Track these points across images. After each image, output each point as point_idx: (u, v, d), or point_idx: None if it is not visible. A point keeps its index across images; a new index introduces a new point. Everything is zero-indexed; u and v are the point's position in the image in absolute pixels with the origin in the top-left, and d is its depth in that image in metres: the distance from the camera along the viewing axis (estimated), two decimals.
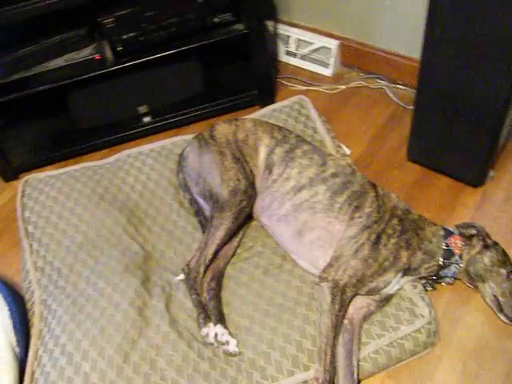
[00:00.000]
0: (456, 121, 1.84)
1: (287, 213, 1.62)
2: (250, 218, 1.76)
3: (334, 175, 1.65)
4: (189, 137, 2.05)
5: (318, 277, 1.49)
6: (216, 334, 1.49)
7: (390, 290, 1.53)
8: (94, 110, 2.33)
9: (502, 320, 1.59)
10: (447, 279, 1.64)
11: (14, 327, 1.58)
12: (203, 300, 1.58)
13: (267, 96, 2.41)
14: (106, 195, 1.89)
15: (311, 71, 2.64)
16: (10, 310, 1.62)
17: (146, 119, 2.37)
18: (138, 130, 2.34)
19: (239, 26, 2.21)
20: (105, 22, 2.03)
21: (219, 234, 1.61)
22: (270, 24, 2.65)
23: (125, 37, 2.09)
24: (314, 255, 1.57)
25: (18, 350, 1.55)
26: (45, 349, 1.55)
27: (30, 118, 2.44)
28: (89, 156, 2.30)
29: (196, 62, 2.35)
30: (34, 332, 1.61)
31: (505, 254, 1.61)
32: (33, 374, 1.51)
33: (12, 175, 2.34)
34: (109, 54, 2.15)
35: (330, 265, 1.50)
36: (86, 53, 2.11)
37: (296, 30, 2.65)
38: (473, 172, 1.96)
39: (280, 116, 2.08)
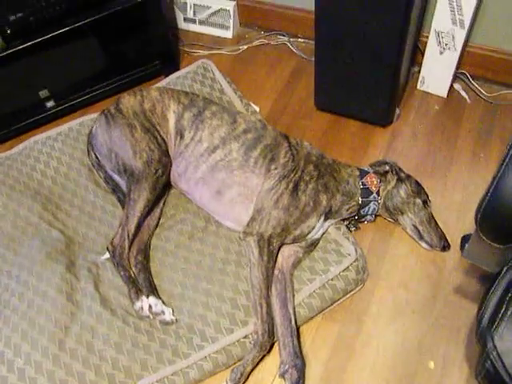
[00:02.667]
0: (356, 64, 1.88)
1: (204, 175, 1.61)
2: (168, 186, 1.74)
3: (246, 131, 1.65)
4: (95, 116, 1.98)
5: (243, 232, 1.50)
6: (150, 306, 1.48)
7: (314, 234, 1.56)
8: None
9: (423, 247, 1.67)
10: (368, 217, 1.70)
11: None
12: (132, 275, 1.56)
13: (171, 65, 2.36)
14: (17, 185, 1.82)
15: (212, 35, 2.62)
16: None
17: (50, 103, 2.27)
18: (43, 115, 2.24)
19: None
20: None
21: (139, 206, 1.59)
22: None
23: (12, 18, 1.98)
24: (236, 212, 1.58)
25: None
26: None
27: None
28: None
29: (93, 38, 2.25)
30: None
31: (418, 184, 1.68)
32: None
33: None
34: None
35: (252, 219, 1.51)
36: None
37: None
38: (379, 112, 2.01)
39: (185, 82, 2.06)
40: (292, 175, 1.54)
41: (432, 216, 1.66)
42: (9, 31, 2.01)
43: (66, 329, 1.46)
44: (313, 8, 1.82)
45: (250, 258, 1.47)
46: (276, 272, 1.50)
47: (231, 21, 2.55)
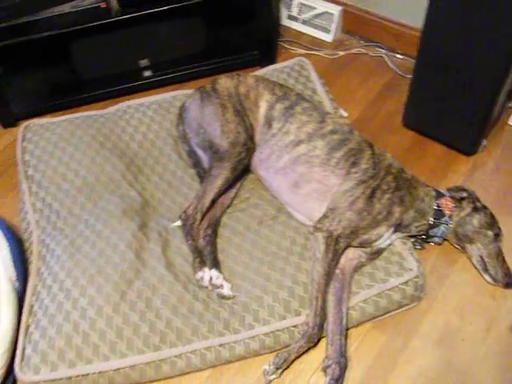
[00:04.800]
0: (453, 90, 1.89)
1: (285, 165, 1.66)
2: (247, 171, 1.80)
3: (333, 132, 1.68)
4: (189, 91, 2.07)
5: (313, 227, 1.54)
6: (211, 278, 1.54)
7: (381, 243, 1.58)
8: (96, 61, 2.34)
9: (486, 280, 1.66)
10: (436, 239, 1.70)
11: (14, 263, 1.62)
12: (199, 246, 1.63)
13: (268, 57, 2.43)
14: (106, 143, 1.92)
15: (312, 36, 2.67)
16: (9, 246, 1.65)
17: (147, 73, 2.38)
18: (139, 83, 2.35)
19: None
20: None
21: (217, 183, 1.65)
22: None
23: None
24: (309, 207, 1.62)
25: (17, 284, 1.59)
26: (43, 284, 1.59)
27: (33, 65, 2.43)
28: (89, 107, 2.30)
29: (200, 19, 2.36)
30: (32, 269, 1.65)
31: (493, 217, 1.67)
32: (31, 307, 1.55)
33: (11, 122, 2.35)
34: (114, 3, 2.14)
35: (325, 216, 1.54)
36: (91, 0, 2.10)
37: None
38: (466, 140, 2.01)
39: (280, 76, 2.11)
40: (371, 182, 1.56)
41: (501, 251, 1.64)
42: None
43: (130, 282, 1.54)
44: (419, 25, 1.84)
45: (315, 253, 1.50)
46: (337, 271, 1.54)
47: (333, 25, 2.59)
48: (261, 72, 2.16)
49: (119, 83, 2.34)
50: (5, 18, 2.09)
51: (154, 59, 2.39)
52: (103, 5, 2.11)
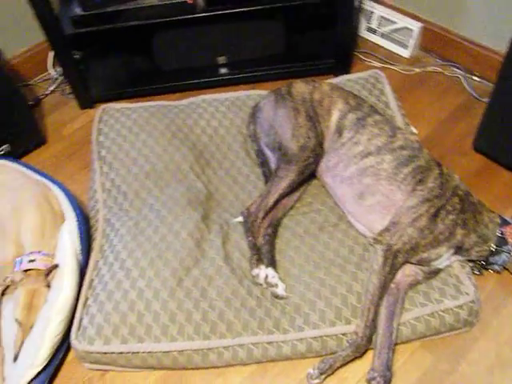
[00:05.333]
0: None
1: (352, 175, 1.67)
2: (313, 176, 1.81)
3: (402, 147, 1.68)
4: (263, 92, 2.12)
5: (373, 238, 1.55)
6: (266, 276, 1.57)
7: (439, 263, 1.57)
8: (176, 53, 2.41)
9: None
10: (496, 266, 1.67)
11: (80, 237, 1.69)
12: (258, 243, 1.66)
13: (343, 66, 2.44)
14: (178, 133, 1.98)
15: (389, 50, 2.66)
16: (77, 221, 1.73)
17: (223, 70, 2.44)
18: (215, 78, 2.41)
19: None
20: None
21: (283, 184, 1.68)
22: None
23: None
24: (371, 219, 1.62)
25: (80, 258, 1.66)
26: (105, 261, 1.65)
27: (115, 51, 2.54)
28: (164, 96, 2.37)
29: (281, 22, 2.39)
30: (95, 246, 1.72)
31: None
32: (92, 281, 1.62)
33: (88, 104, 2.45)
34: (201, 0, 2.20)
35: (386, 229, 1.55)
36: None
37: (381, 7, 2.66)
38: None
39: (354, 86, 2.12)
40: (436, 201, 1.55)
41: None
42: None
43: (188, 269, 1.59)
44: (502, 49, 1.81)
45: (372, 264, 1.51)
46: (392, 285, 1.54)
47: (412, 41, 2.57)
48: (335, 81, 2.18)
49: (196, 77, 2.40)
50: (95, 6, 2.18)
51: (232, 57, 2.44)
52: (190, 0, 2.18)
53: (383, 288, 1.48)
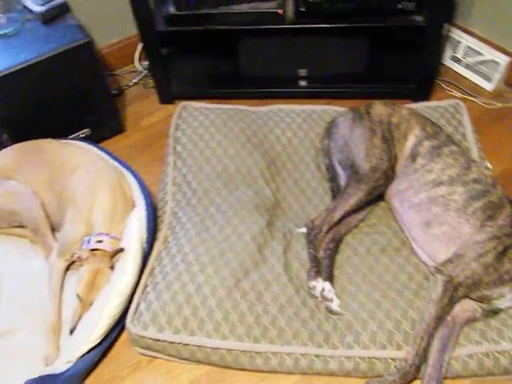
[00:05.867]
0: None
1: (421, 202, 1.66)
2: (380, 198, 1.81)
3: (475, 181, 1.66)
4: (340, 108, 2.14)
5: (435, 268, 1.54)
6: (323, 289, 1.58)
7: (500, 303, 1.54)
8: (259, 61, 2.46)
9: None
10: None
11: (147, 226, 1.75)
12: (318, 256, 1.67)
13: (423, 93, 2.43)
14: (253, 138, 2.02)
15: (472, 81, 2.62)
16: (146, 210, 1.79)
17: (303, 83, 2.47)
18: (293, 90, 2.44)
19: (418, 18, 2.23)
20: None
21: (350, 201, 1.69)
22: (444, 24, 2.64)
23: (310, 0, 2.17)
24: (435, 248, 1.61)
25: (145, 245, 1.72)
26: (168, 252, 1.71)
27: (201, 52, 2.62)
28: (242, 101, 2.40)
29: (364, 41, 2.41)
30: (160, 236, 1.79)
31: None
32: (153, 269, 1.68)
33: (168, 99, 2.54)
34: (291, 12, 2.24)
35: (449, 260, 1.53)
36: (270, 5, 2.22)
37: (469, 38, 2.62)
38: None
39: (433, 114, 2.10)
40: (505, 239, 1.53)
41: None
42: (303, 9, 2.21)
43: (247, 272, 1.62)
44: None
45: (431, 294, 1.50)
46: (448, 318, 1.52)
47: (497, 75, 2.53)
48: (413, 106, 2.17)
49: (275, 86, 2.44)
50: (189, 7, 2.26)
51: (313, 71, 2.47)
52: (280, 11, 2.22)
53: (439, 319, 1.47)
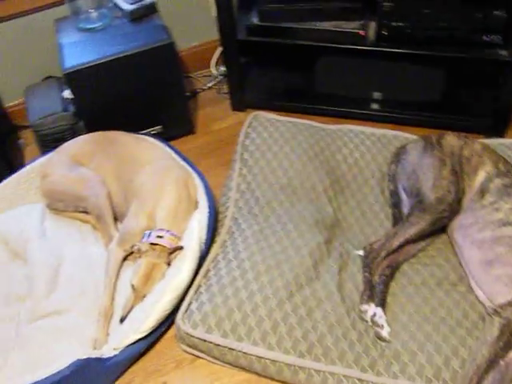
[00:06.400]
0: None
1: (484, 240, 1.63)
2: (442, 230, 1.79)
3: None
4: (410, 136, 2.13)
5: (494, 310, 1.51)
6: (374, 314, 1.57)
7: None
8: (335, 79, 2.48)
9: None
10: None
11: (208, 228, 1.79)
12: (373, 281, 1.66)
13: (498, 129, 2.37)
14: (320, 155, 2.03)
15: None
16: (208, 212, 1.82)
17: (375, 106, 2.47)
18: (365, 112, 2.44)
19: (503, 52, 2.18)
20: (384, 4, 2.13)
21: (412, 230, 1.68)
22: None
23: (394, 24, 2.17)
24: (495, 289, 1.57)
25: (203, 247, 1.76)
26: (224, 256, 1.74)
27: (278, 64, 2.66)
28: (312, 117, 2.42)
29: (443, 70, 2.38)
30: (218, 239, 1.82)
31: None
32: (208, 271, 1.72)
33: (240, 107, 2.58)
34: (372, 34, 2.25)
35: (509, 303, 1.49)
36: (353, 25, 2.23)
37: None
38: None
39: (506, 152, 2.05)
40: None
41: None
42: (385, 33, 2.21)
43: (300, 286, 1.63)
44: None
45: (486, 335, 1.47)
46: (501, 363, 1.47)
47: None
48: (486, 141, 2.13)
49: (348, 106, 2.44)
50: (272, 19, 2.30)
51: (387, 95, 2.46)
52: (362, 32, 2.23)
53: (492, 362, 1.43)
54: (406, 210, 1.81)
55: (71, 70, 2.10)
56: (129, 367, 1.68)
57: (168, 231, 1.73)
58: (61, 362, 1.53)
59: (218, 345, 1.55)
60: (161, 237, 1.72)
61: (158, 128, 2.36)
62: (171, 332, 1.74)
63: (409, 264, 1.75)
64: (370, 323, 1.57)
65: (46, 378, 1.50)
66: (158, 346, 1.73)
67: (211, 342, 1.56)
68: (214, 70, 2.86)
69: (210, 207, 1.84)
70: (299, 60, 2.53)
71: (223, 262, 1.72)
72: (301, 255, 1.70)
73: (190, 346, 1.64)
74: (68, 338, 1.71)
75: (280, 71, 2.68)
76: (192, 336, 1.58)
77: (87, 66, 2.11)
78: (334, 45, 2.26)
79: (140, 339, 1.63)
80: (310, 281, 1.65)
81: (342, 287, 1.66)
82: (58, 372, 1.51)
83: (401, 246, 1.70)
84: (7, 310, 1.85)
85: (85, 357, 1.54)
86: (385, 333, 1.55)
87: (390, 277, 1.69)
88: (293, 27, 2.30)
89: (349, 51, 2.26)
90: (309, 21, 2.28)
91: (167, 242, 1.71)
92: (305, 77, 2.57)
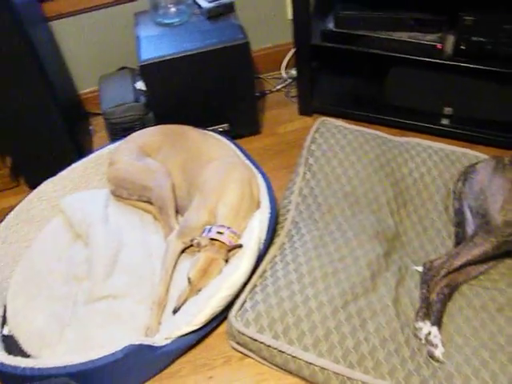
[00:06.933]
0: None
1: None
2: (507, 254, 1.74)
3: None
4: (481, 155, 2.08)
5: None
6: (429, 333, 1.54)
7: None
8: (406, 91, 2.44)
9: None
10: None
11: (268, 229, 1.79)
12: (430, 299, 1.63)
13: None
14: (386, 167, 2.01)
15: None
16: (270, 213, 1.83)
17: (445, 121, 2.41)
18: (435, 126, 2.39)
19: None
20: (465, 18, 2.08)
21: (475, 252, 1.64)
22: None
23: (473, 39, 2.12)
24: None
25: (261, 247, 1.76)
26: (282, 258, 1.74)
27: (349, 71, 2.64)
28: (380, 127, 2.40)
29: None
30: (277, 241, 1.83)
31: None
32: (264, 271, 1.73)
33: (308, 112, 2.58)
34: (449, 47, 2.20)
35: None
36: (430, 38, 2.19)
37: None
38: None
39: None
40: None
41: None
42: (463, 47, 2.17)
43: (356, 296, 1.62)
44: None
45: None
46: None
47: None
48: None
49: (417, 119, 2.40)
50: (348, 26, 2.29)
51: (458, 111, 2.41)
52: (439, 46, 2.19)
53: None
54: (470, 230, 1.77)
55: (147, 63, 2.16)
56: (178, 358, 1.71)
57: (228, 228, 1.75)
58: (113, 344, 1.58)
59: (269, 346, 1.56)
60: (221, 233, 1.74)
61: (224, 126, 2.39)
62: (222, 328, 1.76)
63: (468, 286, 1.71)
64: (424, 341, 1.54)
65: (99, 358, 1.55)
66: (207, 341, 1.75)
67: (262, 342, 1.57)
68: (283, 73, 2.87)
69: (271, 208, 1.85)
70: (371, 68, 2.51)
71: (280, 264, 1.72)
72: (359, 265, 1.68)
73: (239, 344, 1.65)
74: (121, 322, 1.76)
75: (350, 78, 2.66)
76: (243, 334, 1.59)
77: (162, 59, 2.16)
78: (408, 56, 2.22)
79: (191, 332, 1.65)
80: (365, 292, 1.63)
81: (398, 302, 1.64)
82: (111, 354, 1.56)
83: (462, 267, 1.67)
84: (65, 289, 1.92)
85: (138, 343, 1.57)
86: (438, 353, 1.52)
87: (448, 297, 1.65)
88: (368, 35, 2.28)
89: (424, 64, 2.22)
90: (385, 30, 2.26)
91: (227, 238, 1.73)
92: (375, 86, 2.55)
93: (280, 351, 1.55)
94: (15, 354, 1.65)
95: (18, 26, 1.97)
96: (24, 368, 1.55)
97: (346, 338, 1.54)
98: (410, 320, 1.60)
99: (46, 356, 1.71)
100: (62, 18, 2.55)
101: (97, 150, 2.31)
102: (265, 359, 1.62)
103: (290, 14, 2.73)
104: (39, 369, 1.54)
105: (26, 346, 1.77)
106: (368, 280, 1.66)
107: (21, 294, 1.93)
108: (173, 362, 1.71)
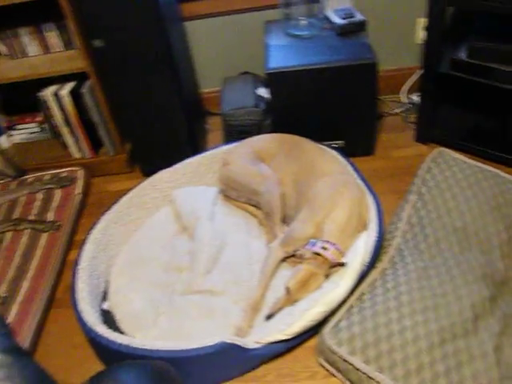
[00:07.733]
0: None
1: None
2: None
3: None
4: None
5: None
6: None
7: None
8: None
9: None
10: None
11: (372, 252, 1.78)
12: None
13: None
14: (503, 208, 1.93)
15: None
16: (377, 237, 1.81)
17: None
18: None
19: None
20: None
21: None
22: None
23: None
24: None
25: (364, 268, 1.75)
26: (382, 283, 1.73)
27: (474, 104, 2.57)
28: (499, 166, 2.31)
29: None
30: (379, 266, 1.81)
31: None
32: (362, 294, 1.72)
33: (425, 139, 2.53)
34: None
35: None
36: None
37: None
38: None
39: None
40: None
41: None
42: None
43: (454, 336, 1.56)
44: None
45: None
46: None
47: None
48: None
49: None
50: (481, 57, 2.22)
51: None
52: None
53: None
54: None
55: (274, 71, 2.21)
56: (264, 363, 1.73)
57: (334, 245, 1.76)
58: (204, 338, 1.61)
59: (358, 369, 1.55)
60: (325, 248, 1.74)
61: (340, 142, 2.39)
62: (310, 342, 1.77)
63: None
64: None
65: (189, 350, 1.59)
66: (295, 352, 1.76)
67: (351, 364, 1.56)
68: (403, 97, 2.84)
69: (378, 231, 1.83)
70: (497, 104, 2.42)
71: (380, 289, 1.71)
72: (461, 305, 1.63)
73: (327, 362, 1.65)
74: (214, 318, 1.81)
75: (472, 111, 2.59)
76: (334, 353, 1.59)
77: (289, 69, 2.21)
78: None
79: (282, 341, 1.67)
80: (465, 333, 1.58)
81: (500, 350, 1.57)
82: (203, 347, 1.60)
83: None
84: (165, 277, 2.00)
85: (230, 341, 1.61)
86: None
87: None
88: (500, 69, 2.20)
89: None
90: None
91: (331, 255, 1.73)
92: (499, 122, 2.46)
93: (369, 377, 1.53)
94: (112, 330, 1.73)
95: (160, 23, 2.09)
96: (120, 344, 1.62)
97: (438, 377, 1.49)
98: (511, 371, 1.53)
99: (138, 338, 1.78)
100: (197, 19, 2.67)
101: (211, 148, 2.39)
102: (351, 381, 1.61)
103: (418, 39, 2.70)
104: (135, 348, 1.60)
105: (121, 324, 1.86)
106: (469, 322, 1.60)
107: (125, 273, 2.04)
108: (258, 366, 1.73)
